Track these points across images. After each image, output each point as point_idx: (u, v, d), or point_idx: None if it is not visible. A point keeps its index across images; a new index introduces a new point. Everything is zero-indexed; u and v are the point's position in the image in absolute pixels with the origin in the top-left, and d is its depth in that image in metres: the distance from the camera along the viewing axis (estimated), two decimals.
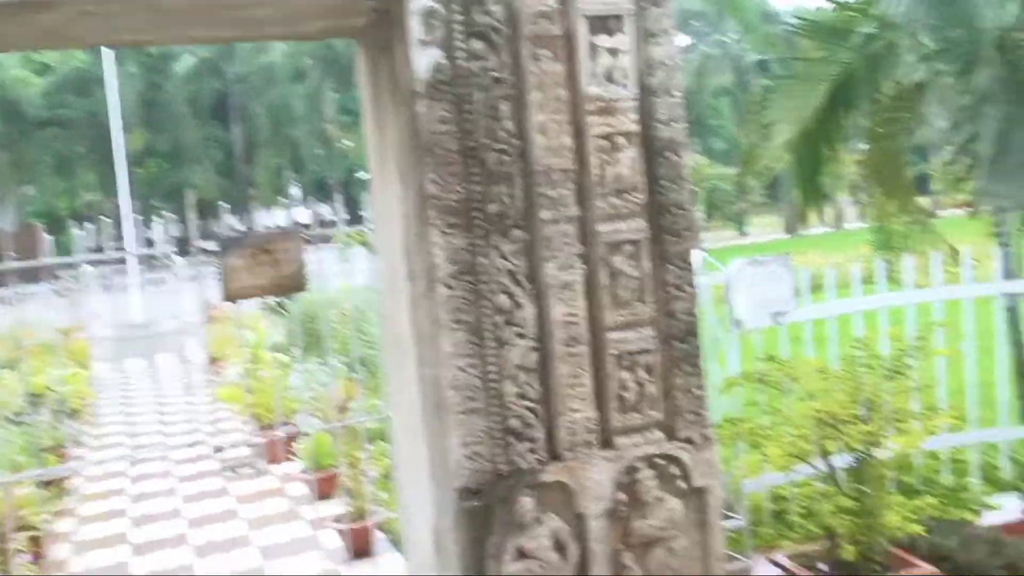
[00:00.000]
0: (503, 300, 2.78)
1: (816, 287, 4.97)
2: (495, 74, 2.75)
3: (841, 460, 4.22)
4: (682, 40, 39.54)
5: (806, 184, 7.07)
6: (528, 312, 2.84)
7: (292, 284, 5.10)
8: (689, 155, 3.09)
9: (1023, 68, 4.84)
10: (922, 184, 20.70)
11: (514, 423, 2.80)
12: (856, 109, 6.65)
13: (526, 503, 2.80)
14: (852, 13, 6.09)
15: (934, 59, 5.04)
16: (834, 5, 6.42)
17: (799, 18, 6.76)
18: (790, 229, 33.93)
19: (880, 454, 4.08)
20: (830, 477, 4.21)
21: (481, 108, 2.74)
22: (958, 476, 5.11)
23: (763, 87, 7.75)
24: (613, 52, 2.91)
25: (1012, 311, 5.60)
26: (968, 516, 4.77)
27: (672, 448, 3.01)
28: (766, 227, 37.49)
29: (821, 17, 6.73)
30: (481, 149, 2.75)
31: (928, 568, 4.11)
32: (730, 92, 36.37)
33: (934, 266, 4.95)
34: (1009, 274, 5.36)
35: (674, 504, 3.03)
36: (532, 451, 2.83)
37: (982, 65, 4.79)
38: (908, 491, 4.58)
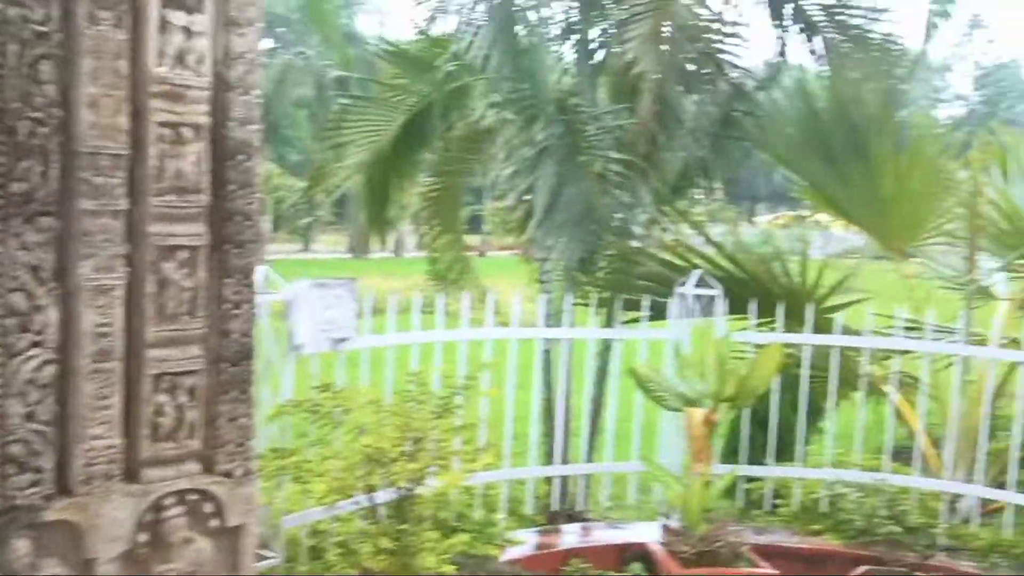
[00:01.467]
0: (18, 300, 2.30)
1: (378, 310, 4.91)
2: (38, 27, 2.28)
3: (385, 496, 4.15)
4: (265, 43, 38.83)
5: (373, 208, 7.08)
6: (50, 317, 2.38)
7: None
8: (262, 161, 2.81)
9: (577, 131, 5.21)
10: (476, 223, 22.07)
11: (15, 450, 2.32)
12: (428, 142, 6.80)
13: (20, 547, 2.32)
14: (435, 48, 6.20)
15: (503, 108, 5.24)
16: (420, 36, 6.51)
17: (385, 43, 6.78)
18: (354, 249, 34.48)
19: (423, 491, 4.07)
20: (372, 514, 4.11)
21: (15, 64, 2.25)
22: (488, 511, 5.30)
23: (341, 105, 7.65)
24: (188, 32, 2.56)
25: (548, 355, 5.98)
26: (493, 551, 4.94)
27: (208, 483, 2.68)
28: (331, 244, 37.73)
29: (407, 46, 6.80)
30: (11, 114, 2.26)
31: None
32: (309, 104, 36.20)
33: (464, 305, 5.11)
34: (549, 320, 5.71)
35: (203, 545, 2.70)
36: (35, 484, 2.36)
37: (543, 122, 5.07)
38: (444, 528, 4.63)
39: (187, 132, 2.59)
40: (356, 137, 7.00)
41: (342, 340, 4.27)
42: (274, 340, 4.18)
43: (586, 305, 5.48)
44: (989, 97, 53.95)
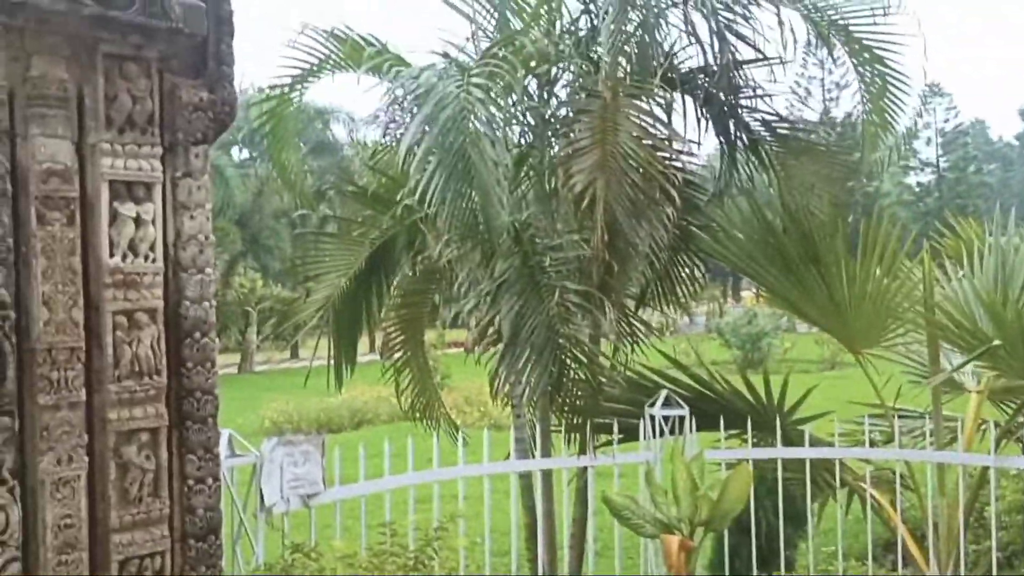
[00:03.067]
0: None
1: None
2: None
3: None
4: (243, 155, 39.43)
5: (341, 343, 7.11)
6: (12, 515, 2.38)
7: None
8: (215, 337, 2.87)
9: (534, 263, 5.33)
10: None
11: None
12: (392, 275, 6.91)
13: None
14: (394, 184, 6.35)
15: (459, 242, 5.37)
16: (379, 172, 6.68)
17: (348, 184, 6.96)
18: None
19: None
20: None
21: None
22: None
23: (306, 240, 7.78)
24: (138, 221, 2.64)
25: (525, 488, 5.96)
26: None
27: None
28: (319, 350, 37.23)
29: (368, 184, 6.96)
30: None
31: None
32: (288, 214, 36.49)
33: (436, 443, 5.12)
34: (521, 449, 5.72)
35: None
36: None
37: (501, 255, 5.19)
38: None
39: (143, 317, 2.65)
40: (321, 272, 7.11)
41: (312, 496, 4.27)
42: (243, 505, 4.17)
43: (558, 432, 5.51)
44: (955, 162, 54.98)
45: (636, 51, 5.66)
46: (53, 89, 2.45)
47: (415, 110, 5.17)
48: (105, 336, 2.57)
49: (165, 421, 2.68)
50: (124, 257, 2.60)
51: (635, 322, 6.54)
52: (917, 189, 56.11)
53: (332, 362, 6.89)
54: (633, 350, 6.42)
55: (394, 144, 5.88)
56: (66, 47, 2.47)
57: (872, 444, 6.36)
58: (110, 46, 2.53)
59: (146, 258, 2.65)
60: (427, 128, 4.81)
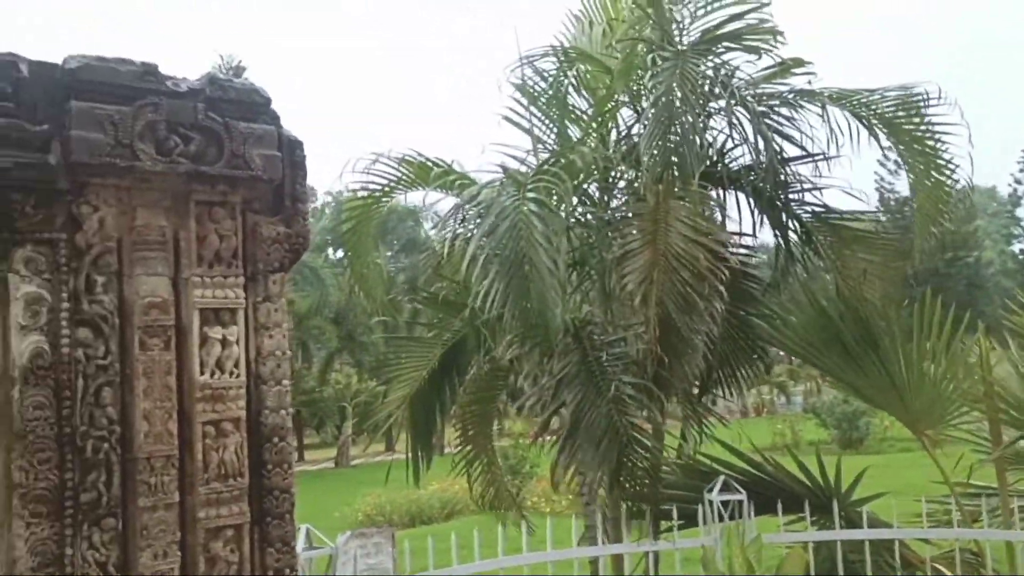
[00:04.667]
0: None
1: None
2: (101, 361, 2.77)
3: None
4: (338, 253, 40.57)
5: (417, 439, 7.47)
6: None
7: None
8: (292, 441, 3.23)
9: (592, 359, 5.64)
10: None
11: None
12: (463, 374, 7.28)
13: None
14: (466, 289, 6.77)
15: (519, 343, 5.72)
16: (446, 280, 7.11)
17: (421, 291, 7.43)
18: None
19: None
20: None
21: (82, 395, 2.73)
22: None
23: (386, 344, 8.24)
24: (225, 342, 3.04)
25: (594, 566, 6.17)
26: None
27: None
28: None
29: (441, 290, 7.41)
30: (80, 436, 2.71)
31: None
32: (385, 311, 37.28)
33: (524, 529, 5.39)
34: (592, 540, 5.93)
35: None
36: None
37: (560, 352, 5.52)
38: None
39: (228, 426, 3.03)
40: (399, 373, 7.53)
41: None
42: None
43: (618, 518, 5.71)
44: None
45: (677, 155, 6.00)
46: (154, 235, 2.89)
47: (478, 221, 5.59)
48: (196, 444, 2.95)
49: (247, 518, 3.03)
50: (212, 374, 3.00)
51: (700, 409, 6.76)
52: (1021, 257, 54.69)
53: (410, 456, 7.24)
54: (702, 437, 6.62)
55: (460, 253, 6.31)
56: (165, 199, 2.92)
57: (949, 524, 6.35)
58: (201, 195, 2.97)
59: (231, 374, 3.05)
60: (485, 239, 5.21)
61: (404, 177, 6.76)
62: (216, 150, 2.96)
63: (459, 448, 7.19)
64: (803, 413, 30.39)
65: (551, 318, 5.02)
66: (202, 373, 2.98)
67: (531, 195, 5.27)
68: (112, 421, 2.78)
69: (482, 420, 7.04)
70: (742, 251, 7.05)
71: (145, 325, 2.87)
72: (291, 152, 3.28)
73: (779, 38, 6.34)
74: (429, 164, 6.76)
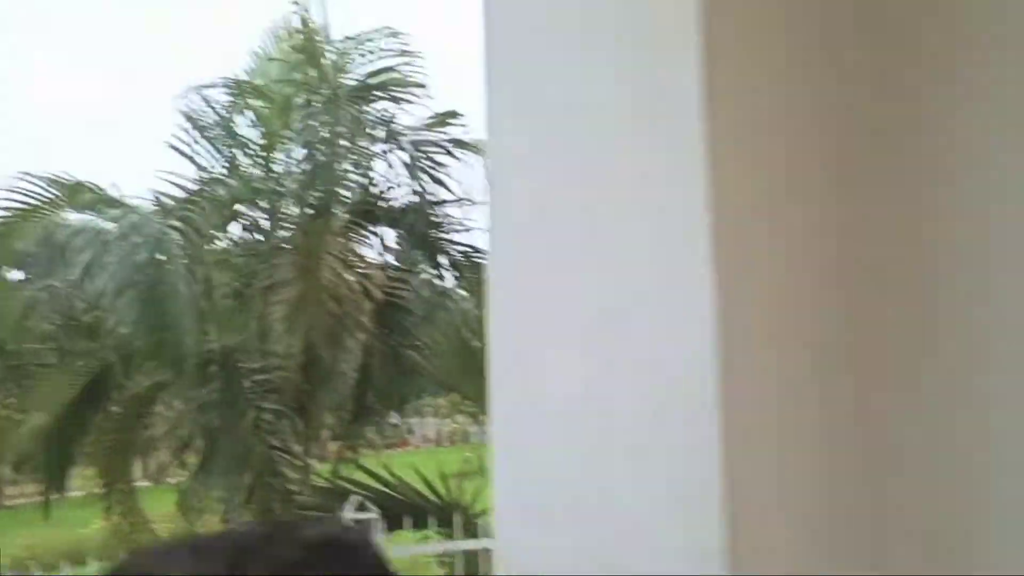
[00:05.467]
0: None
1: None
2: None
3: None
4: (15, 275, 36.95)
5: (52, 466, 7.24)
6: None
7: None
8: None
9: (234, 384, 5.81)
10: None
11: None
12: (106, 401, 7.18)
13: None
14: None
15: (157, 371, 5.79)
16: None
17: (62, 315, 7.22)
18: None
19: None
20: None
21: None
22: None
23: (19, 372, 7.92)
24: None
25: None
26: None
27: None
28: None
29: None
30: None
31: None
32: (56, 337, 34.55)
33: None
34: None
35: None
36: None
37: (205, 380, 5.65)
38: None
39: None
40: (37, 402, 7.27)
41: None
42: None
43: None
44: None
45: (331, 194, 6.33)
46: None
47: (121, 246, 5.62)
48: None
49: None
50: None
51: (352, 435, 7.09)
52: None
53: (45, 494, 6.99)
54: (357, 461, 6.92)
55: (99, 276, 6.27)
56: None
57: None
58: None
59: None
60: (120, 264, 5.26)
61: (56, 198, 6.58)
62: None
63: (98, 476, 7.03)
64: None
65: (187, 345, 5.15)
66: None
67: (175, 223, 5.38)
68: None
69: (122, 448, 6.94)
70: (398, 286, 7.48)
71: None
72: None
73: (426, 90, 6.88)
74: (86, 186, 6.62)
